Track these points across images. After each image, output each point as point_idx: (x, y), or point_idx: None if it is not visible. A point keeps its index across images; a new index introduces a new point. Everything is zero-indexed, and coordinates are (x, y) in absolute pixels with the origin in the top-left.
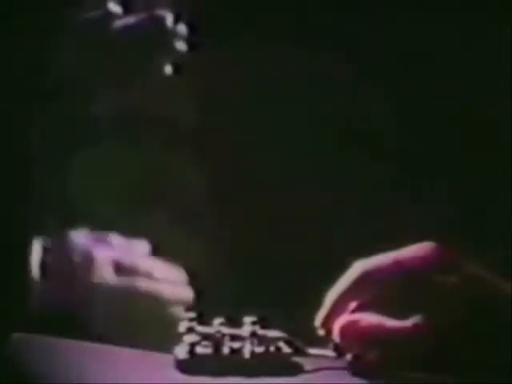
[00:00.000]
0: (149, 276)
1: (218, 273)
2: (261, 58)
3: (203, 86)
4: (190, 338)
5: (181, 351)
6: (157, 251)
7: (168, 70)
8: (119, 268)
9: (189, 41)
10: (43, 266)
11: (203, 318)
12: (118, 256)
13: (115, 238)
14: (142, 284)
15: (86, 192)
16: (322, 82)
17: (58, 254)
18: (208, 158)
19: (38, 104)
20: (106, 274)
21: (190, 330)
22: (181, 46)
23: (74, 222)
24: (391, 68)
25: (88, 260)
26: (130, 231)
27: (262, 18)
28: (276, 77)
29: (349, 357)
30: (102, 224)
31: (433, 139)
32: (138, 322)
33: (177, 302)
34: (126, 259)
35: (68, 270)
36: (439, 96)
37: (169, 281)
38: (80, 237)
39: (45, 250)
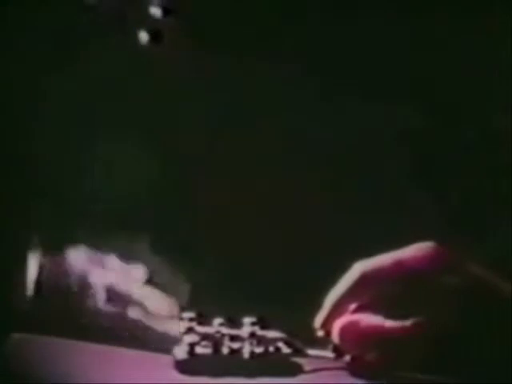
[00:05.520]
0: (141, 306)
1: (218, 273)
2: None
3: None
4: (189, 338)
5: (180, 351)
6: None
7: (144, 37)
8: (112, 295)
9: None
10: (38, 284)
11: (203, 318)
12: (113, 282)
13: (111, 261)
14: (133, 314)
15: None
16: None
17: (53, 272)
18: (206, 151)
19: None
20: (99, 300)
21: (190, 330)
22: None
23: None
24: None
25: (83, 283)
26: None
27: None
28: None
29: (348, 358)
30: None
31: (432, 139)
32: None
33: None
34: (121, 286)
35: (62, 291)
36: (438, 100)
37: (160, 314)
38: (77, 256)
39: (41, 268)
